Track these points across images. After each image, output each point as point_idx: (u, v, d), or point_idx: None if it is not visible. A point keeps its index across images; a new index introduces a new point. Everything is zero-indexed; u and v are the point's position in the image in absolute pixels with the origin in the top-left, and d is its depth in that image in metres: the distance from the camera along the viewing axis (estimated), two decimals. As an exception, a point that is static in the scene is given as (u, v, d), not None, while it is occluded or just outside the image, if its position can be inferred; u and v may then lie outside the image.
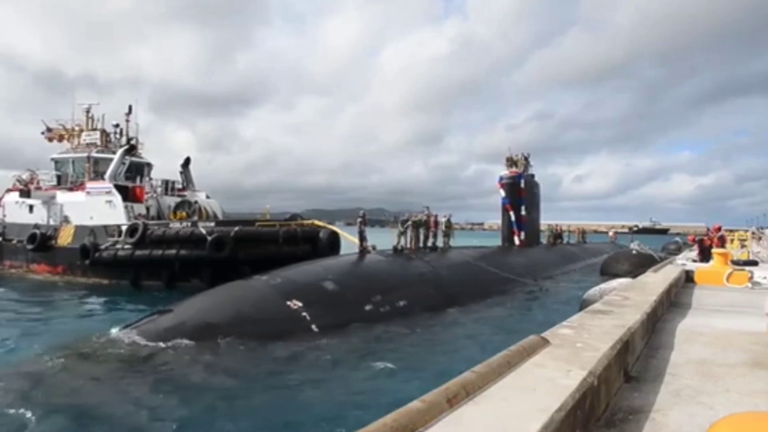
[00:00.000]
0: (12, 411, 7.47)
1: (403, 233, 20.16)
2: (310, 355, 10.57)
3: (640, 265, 22.23)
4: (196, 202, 27.18)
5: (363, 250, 18.62)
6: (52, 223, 25.88)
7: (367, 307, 13.80)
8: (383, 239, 20.70)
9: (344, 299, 13.71)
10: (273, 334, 11.36)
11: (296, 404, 7.96)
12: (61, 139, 29.69)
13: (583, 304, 10.11)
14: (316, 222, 24.55)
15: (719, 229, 19.07)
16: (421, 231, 20.94)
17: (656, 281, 9.39)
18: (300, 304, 12.73)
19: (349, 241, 21.68)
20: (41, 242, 24.00)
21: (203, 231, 20.37)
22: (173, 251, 20.36)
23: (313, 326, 12.18)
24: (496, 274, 21.42)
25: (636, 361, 4.69)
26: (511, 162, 31.64)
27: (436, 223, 22.01)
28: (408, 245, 20.27)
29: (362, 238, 18.91)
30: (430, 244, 21.38)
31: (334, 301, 13.48)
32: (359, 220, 19.34)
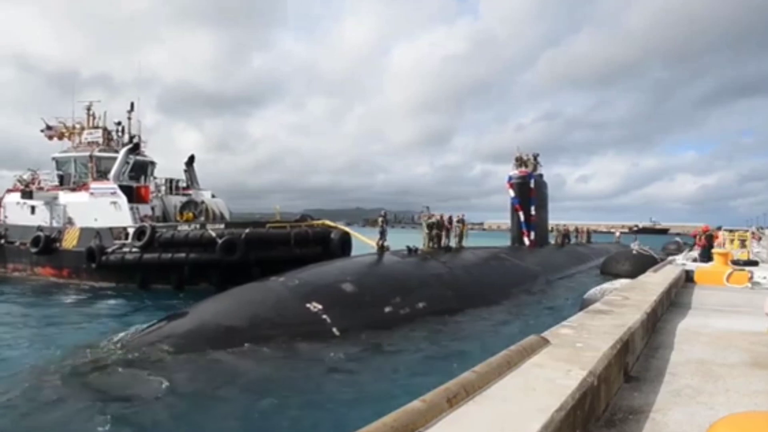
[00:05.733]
0: (21, 418, 7.41)
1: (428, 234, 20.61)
2: (333, 360, 10.30)
3: (640, 265, 22.22)
4: (202, 202, 26.42)
5: (382, 247, 18.81)
6: (55, 224, 25.19)
7: (387, 309, 13.53)
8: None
9: (363, 301, 13.43)
10: (293, 338, 11.06)
11: (323, 411, 7.79)
12: (61, 137, 28.98)
13: (583, 304, 10.11)
14: (327, 222, 24.17)
15: (707, 230, 19.56)
16: (434, 232, 21.08)
17: (656, 281, 9.40)
18: (320, 306, 12.41)
19: (360, 241, 21.77)
20: (45, 245, 23.40)
21: (213, 234, 20.06)
22: (183, 255, 20.07)
23: (334, 329, 11.88)
24: (512, 274, 21.26)
25: (636, 361, 4.71)
26: (520, 162, 31.43)
27: (450, 222, 22.16)
28: (424, 246, 20.48)
29: (383, 236, 19.16)
30: (443, 244, 21.51)
31: (353, 304, 13.18)
32: (381, 219, 19.68)
